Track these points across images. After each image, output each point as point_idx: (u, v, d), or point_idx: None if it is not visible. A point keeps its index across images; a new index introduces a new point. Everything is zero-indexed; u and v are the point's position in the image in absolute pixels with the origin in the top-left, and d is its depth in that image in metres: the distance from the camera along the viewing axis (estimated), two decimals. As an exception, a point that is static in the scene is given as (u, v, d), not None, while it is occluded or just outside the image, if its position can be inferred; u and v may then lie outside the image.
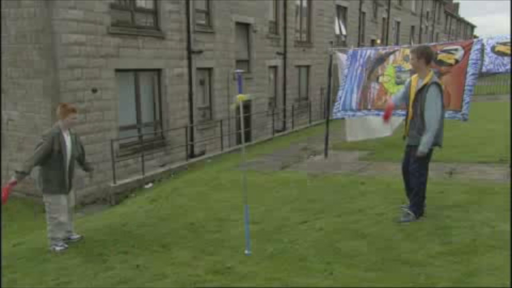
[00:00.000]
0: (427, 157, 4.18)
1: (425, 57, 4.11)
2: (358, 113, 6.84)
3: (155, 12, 10.82)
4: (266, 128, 15.38)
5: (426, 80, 4.08)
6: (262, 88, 15.65)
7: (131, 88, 10.42)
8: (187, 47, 11.65)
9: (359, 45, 22.25)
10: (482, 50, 5.74)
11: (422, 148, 4.05)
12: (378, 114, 6.58)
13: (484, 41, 5.81)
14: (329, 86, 8.59)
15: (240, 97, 4.06)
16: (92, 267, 3.96)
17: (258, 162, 8.65)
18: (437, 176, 5.84)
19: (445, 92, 5.22)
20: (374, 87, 6.66)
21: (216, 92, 13.22)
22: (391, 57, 6.77)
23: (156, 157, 10.69)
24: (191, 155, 11.62)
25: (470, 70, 5.58)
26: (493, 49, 5.57)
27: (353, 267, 3.50)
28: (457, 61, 5.77)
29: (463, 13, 62.94)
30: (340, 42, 21.56)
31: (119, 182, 8.78)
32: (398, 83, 6.43)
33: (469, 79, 5.53)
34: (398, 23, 30.81)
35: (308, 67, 19.05)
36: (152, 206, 6.28)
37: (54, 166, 4.34)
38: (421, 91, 4.10)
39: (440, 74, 5.60)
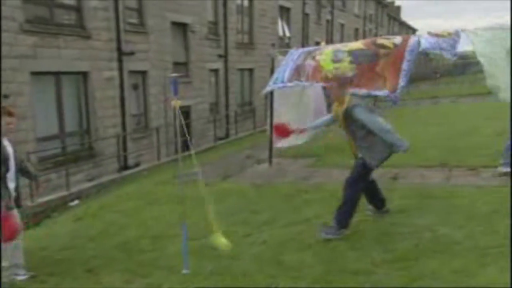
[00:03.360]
0: (367, 170, 4.39)
1: (344, 84, 4.49)
2: (289, 84, 6.90)
3: (78, 9, 10.40)
4: (208, 135, 15.31)
5: (346, 105, 4.36)
6: (202, 93, 15.59)
7: (51, 93, 9.88)
8: (117, 48, 11.31)
9: (303, 47, 22.94)
10: (418, 42, 6.15)
11: (403, 150, 4.19)
12: (310, 85, 6.77)
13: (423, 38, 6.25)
14: (272, 90, 8.73)
15: (176, 103, 4.03)
16: (2, 302, 3.66)
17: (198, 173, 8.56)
18: (382, 181, 6.14)
19: (381, 77, 5.68)
20: (310, 64, 6.82)
21: (151, 98, 12.96)
22: (331, 46, 7.19)
23: (83, 171, 10.20)
24: (124, 167, 11.24)
25: (407, 56, 5.91)
26: (429, 33, 6.02)
27: (298, 279, 3.58)
28: (395, 45, 6.11)
29: (405, 16, 67.92)
30: (284, 44, 22.12)
31: (38, 201, 8.24)
32: (334, 61, 6.64)
33: (406, 64, 5.85)
34: (342, 25, 32.33)
35: (251, 70, 19.33)
36: (78, 226, 5.98)
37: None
38: (348, 116, 4.35)
39: (378, 57, 5.92)
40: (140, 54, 12.27)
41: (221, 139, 15.69)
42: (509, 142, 5.77)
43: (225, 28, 16.79)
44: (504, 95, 5.63)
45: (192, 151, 4.25)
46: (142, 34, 12.41)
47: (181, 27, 14.41)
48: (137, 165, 11.63)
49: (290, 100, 8.03)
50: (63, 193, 8.78)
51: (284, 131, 5.93)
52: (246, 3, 18.84)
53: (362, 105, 4.36)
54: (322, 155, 8.87)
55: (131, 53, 11.84)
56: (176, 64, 13.99)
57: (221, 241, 3.80)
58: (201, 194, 6.57)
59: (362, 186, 4.47)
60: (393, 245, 4.02)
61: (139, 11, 12.53)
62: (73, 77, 10.41)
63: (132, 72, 12.12)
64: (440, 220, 4.39)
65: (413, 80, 40.50)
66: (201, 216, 5.58)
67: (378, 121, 4.25)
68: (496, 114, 10.53)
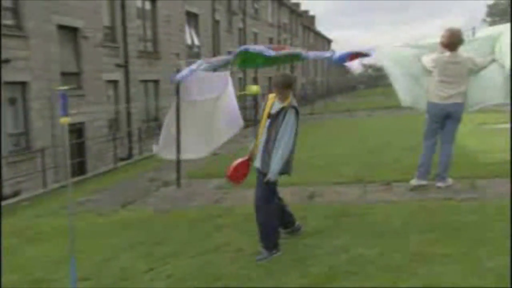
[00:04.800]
0: (274, 184, 4.53)
1: (291, 85, 4.53)
2: (202, 66, 7.05)
3: None
4: (107, 156, 14.71)
5: (285, 103, 4.42)
6: (99, 107, 15.00)
7: None
8: (-13, 55, 10.47)
9: (214, 57, 23.28)
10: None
11: (272, 176, 4.38)
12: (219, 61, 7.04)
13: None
14: (177, 104, 8.68)
15: (65, 121, 3.90)
16: None
17: (93, 200, 8.20)
18: (298, 200, 6.40)
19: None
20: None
21: (34, 114, 12.13)
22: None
23: None
24: (-1, 197, 10.31)
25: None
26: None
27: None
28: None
29: (320, 27, 72.90)
30: (193, 54, 22.25)
31: None
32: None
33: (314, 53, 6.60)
34: (256, 34, 33.42)
35: (156, 82, 19.08)
36: None
37: None
38: (279, 114, 4.41)
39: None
40: (19, 62, 11.47)
41: (122, 160, 15.18)
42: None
43: (125, 34, 16.42)
44: (423, 106, 6.32)
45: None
46: (20, 39, 11.63)
47: (71, 32, 13.79)
48: (16, 194, 10.75)
49: (198, 113, 8.16)
50: None
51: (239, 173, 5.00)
52: (148, 7, 18.63)
53: (299, 111, 4.47)
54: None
55: (6, 61, 11.02)
56: (66, 74, 13.32)
57: None
58: (94, 225, 6.31)
59: (272, 203, 4.59)
60: (308, 268, 4.17)
61: (15, 11, 11.73)
62: None
63: (8, 84, 11.27)
64: (355, 239, 4.66)
65: (330, 92, 43.12)
66: (94, 251, 5.33)
67: (290, 140, 4.39)
68: (409, 127, 11.59)
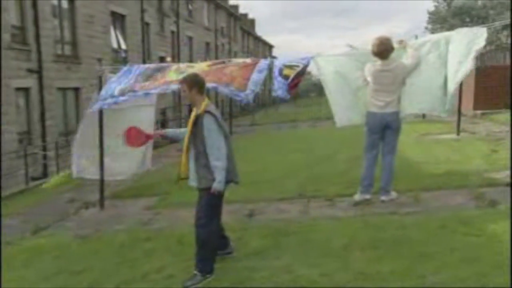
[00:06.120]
0: (216, 201, 4.58)
1: (197, 86, 4.56)
2: (121, 98, 7.21)
3: None
4: (17, 175, 14.00)
5: (200, 111, 4.49)
6: (6, 118, 14.30)
7: None
8: None
9: (144, 62, 22.96)
10: (269, 65, 6.88)
11: (219, 186, 4.41)
12: (147, 94, 7.27)
13: (275, 63, 6.91)
14: (100, 124, 8.45)
15: None
16: None
17: (-1, 227, 7.75)
18: (235, 219, 6.42)
19: (228, 75, 6.55)
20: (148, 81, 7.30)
21: None
22: (174, 66, 7.64)
23: None
24: None
25: (257, 70, 6.74)
26: (280, 72, 6.64)
27: None
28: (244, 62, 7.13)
29: (261, 31, 74.64)
30: (120, 58, 21.83)
31: None
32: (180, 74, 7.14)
33: (255, 75, 6.65)
34: (191, 38, 33.37)
35: (76, 89, 18.55)
36: None
37: None
38: (196, 124, 4.48)
39: (226, 65, 6.91)
40: None
41: (36, 179, 14.52)
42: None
43: (37, 35, 15.82)
44: (360, 120, 6.60)
45: None
46: None
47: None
48: None
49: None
50: None
51: (137, 137, 5.97)
52: (65, 5, 18.09)
53: (217, 115, 4.50)
54: (167, 193, 8.89)
55: None
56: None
57: None
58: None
59: (215, 222, 4.67)
60: (248, 293, 4.21)
61: None
62: None
63: None
64: (297, 260, 4.76)
65: (273, 101, 43.78)
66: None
67: (220, 145, 4.43)
68: (354, 137, 12.01)
